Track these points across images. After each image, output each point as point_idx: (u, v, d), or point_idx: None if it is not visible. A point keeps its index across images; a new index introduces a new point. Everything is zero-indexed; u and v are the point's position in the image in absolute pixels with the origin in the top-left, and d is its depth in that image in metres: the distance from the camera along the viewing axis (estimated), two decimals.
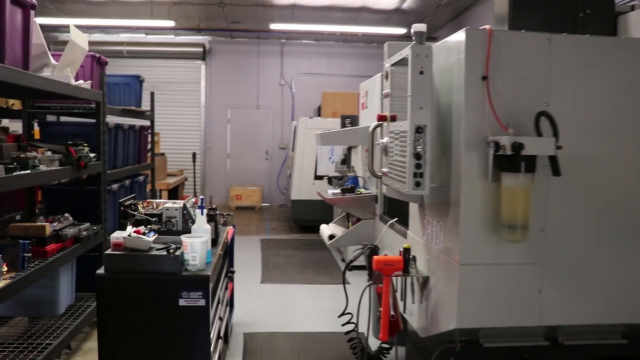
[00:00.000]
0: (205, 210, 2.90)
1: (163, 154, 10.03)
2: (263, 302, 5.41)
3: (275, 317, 4.97)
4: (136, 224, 2.71)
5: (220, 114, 12.54)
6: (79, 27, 4.05)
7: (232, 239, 4.89)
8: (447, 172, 2.52)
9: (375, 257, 2.67)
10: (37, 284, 3.35)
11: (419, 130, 2.37)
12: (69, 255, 3.61)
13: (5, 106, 4.70)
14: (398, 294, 2.98)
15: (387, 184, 2.83)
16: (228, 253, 3.90)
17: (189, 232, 2.72)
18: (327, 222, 7.43)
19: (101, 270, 2.51)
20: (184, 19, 10.90)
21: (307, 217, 9.00)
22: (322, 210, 8.54)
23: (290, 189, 9.26)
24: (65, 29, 11.66)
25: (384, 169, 2.86)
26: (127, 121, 5.35)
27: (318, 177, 8.95)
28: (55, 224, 3.68)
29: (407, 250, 2.72)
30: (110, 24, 10.93)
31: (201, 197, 3.09)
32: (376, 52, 12.85)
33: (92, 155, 4.01)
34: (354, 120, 6.73)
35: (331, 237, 4.22)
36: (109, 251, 2.54)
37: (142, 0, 9.87)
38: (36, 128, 4.64)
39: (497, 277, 2.39)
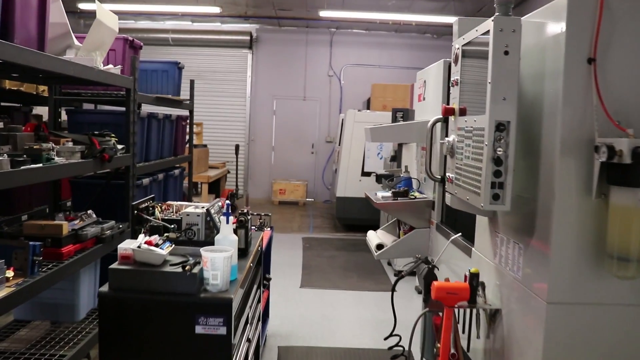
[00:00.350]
0: (232, 218, 2.47)
1: (205, 146, 9.76)
2: (301, 309, 4.98)
3: (314, 328, 4.53)
4: (151, 231, 2.31)
5: (266, 105, 12.19)
6: (122, 12, 3.71)
7: (270, 243, 4.47)
8: (531, 181, 1.98)
9: (435, 283, 2.16)
10: (57, 286, 3.04)
11: (500, 127, 1.85)
12: (89, 257, 3.26)
13: (35, 92, 4.44)
14: (460, 326, 2.47)
15: (453, 192, 2.31)
16: (262, 261, 3.47)
17: (212, 243, 2.29)
18: (374, 223, 6.93)
19: (105, 288, 2.12)
20: (231, 5, 10.57)
21: (352, 216, 8.53)
22: (369, 210, 8.02)
23: (336, 185, 8.79)
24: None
25: (450, 174, 2.34)
26: (163, 110, 5.01)
27: (365, 174, 8.45)
28: (77, 221, 3.34)
29: (474, 276, 2.20)
30: (155, 9, 10.73)
31: (227, 201, 2.67)
32: (429, 43, 12.17)
33: (120, 147, 3.67)
34: (406, 114, 6.17)
35: (379, 246, 3.72)
36: (114, 265, 2.14)
37: None
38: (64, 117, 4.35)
39: (598, 321, 1.85)
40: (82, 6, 10.00)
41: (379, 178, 5.04)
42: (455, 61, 2.32)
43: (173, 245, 2.22)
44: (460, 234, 2.82)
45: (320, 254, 7.14)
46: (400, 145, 5.65)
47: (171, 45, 11.94)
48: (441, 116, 2.70)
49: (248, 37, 11.69)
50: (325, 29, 12.03)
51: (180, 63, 5.49)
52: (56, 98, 4.05)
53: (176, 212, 2.70)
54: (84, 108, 5.29)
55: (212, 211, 2.55)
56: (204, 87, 12.07)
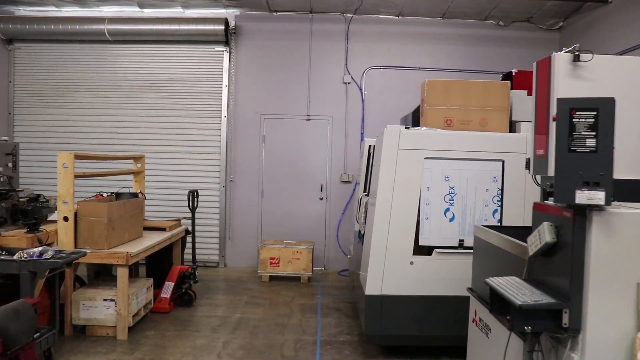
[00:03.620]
0: None
1: (136, 194, 5.70)
2: None
3: None
4: None
5: (251, 128, 8.16)
6: None
7: None
8: None
9: None
10: None
11: None
12: None
13: None
14: None
15: None
16: None
17: None
18: (442, 341, 2.71)
19: None
20: None
21: (398, 332, 4.33)
22: (430, 319, 3.93)
23: (363, 268, 4.63)
24: (23, 3, 7.75)
25: None
26: None
27: (423, 250, 4.34)
28: None
29: None
30: None
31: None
32: (493, 34, 8.15)
33: None
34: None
35: None
36: None
37: None
38: None
39: None
40: None
41: None
42: None
43: None
44: None
45: None
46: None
47: (109, 42, 8.04)
48: None
49: (222, 27, 7.75)
50: (338, 14, 8.09)
51: None
52: None
53: None
54: None
55: None
56: (154, 101, 8.10)
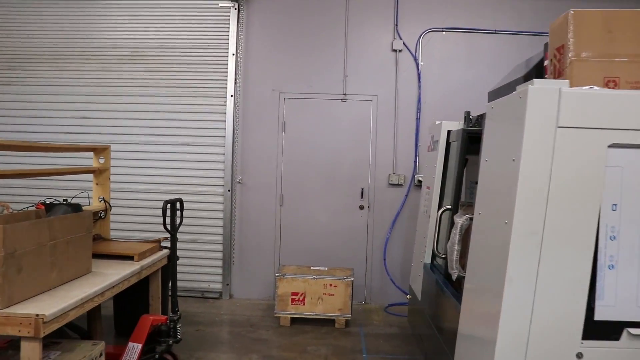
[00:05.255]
0: None
1: (80, 207, 3.61)
2: None
3: None
4: None
5: (267, 112, 6.03)
6: None
7: None
8: None
9: None
10: None
11: None
12: None
13: None
14: None
15: None
16: None
17: None
18: None
19: None
20: None
21: None
22: None
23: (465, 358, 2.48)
24: None
25: None
26: None
27: (603, 331, 2.15)
28: None
29: None
30: None
31: None
32: None
33: None
34: None
35: None
36: None
37: None
38: None
39: None
40: None
41: None
42: None
43: None
44: None
45: None
46: None
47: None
48: None
49: None
50: None
51: None
52: None
53: None
54: None
55: None
56: (138, 76, 6.07)
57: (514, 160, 2.18)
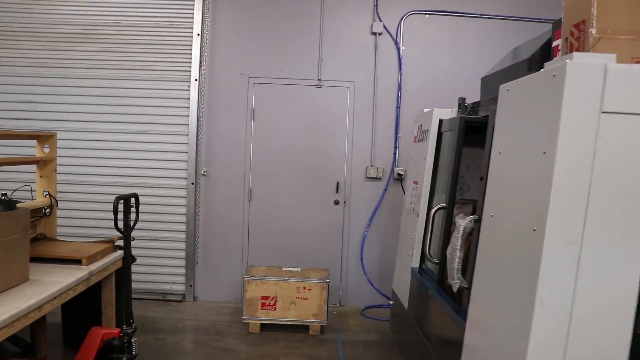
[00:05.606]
0: None
1: (14, 204, 3.05)
2: None
3: None
4: None
5: (234, 98, 5.52)
6: None
7: None
8: None
9: None
10: None
11: None
12: None
13: None
14: None
15: None
16: None
17: None
18: None
19: None
20: None
21: None
22: None
23: None
24: None
25: None
26: None
27: None
28: None
29: None
30: None
31: None
32: None
33: None
34: None
35: None
36: None
37: None
38: None
39: None
40: None
41: None
42: None
43: None
44: None
45: None
46: None
47: None
48: None
49: None
50: None
51: None
52: None
53: None
54: None
55: None
56: (91, 57, 5.48)
57: (544, 152, 1.78)
